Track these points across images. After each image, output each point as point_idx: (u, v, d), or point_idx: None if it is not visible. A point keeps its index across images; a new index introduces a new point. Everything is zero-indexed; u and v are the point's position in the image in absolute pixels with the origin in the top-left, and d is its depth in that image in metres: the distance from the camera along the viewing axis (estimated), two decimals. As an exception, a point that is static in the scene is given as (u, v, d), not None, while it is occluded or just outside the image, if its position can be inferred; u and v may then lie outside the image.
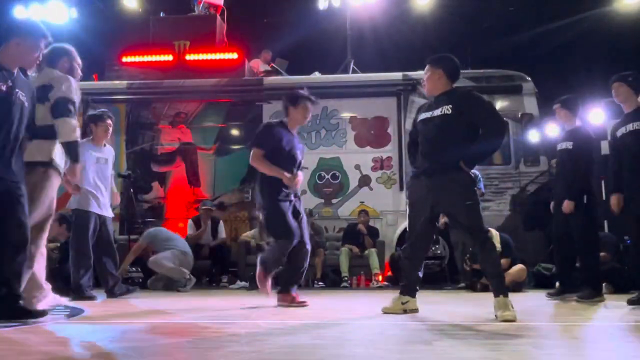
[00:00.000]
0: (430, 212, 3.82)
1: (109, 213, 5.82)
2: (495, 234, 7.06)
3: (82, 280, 5.42)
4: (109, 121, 5.83)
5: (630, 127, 4.75)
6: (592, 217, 5.29)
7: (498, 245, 6.96)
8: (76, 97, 4.06)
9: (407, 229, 4.07)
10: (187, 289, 6.75)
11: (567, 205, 5.23)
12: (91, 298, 5.32)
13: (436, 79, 3.93)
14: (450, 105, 3.76)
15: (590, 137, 5.48)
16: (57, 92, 3.94)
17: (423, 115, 3.94)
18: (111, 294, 5.60)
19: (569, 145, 5.39)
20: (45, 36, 3.78)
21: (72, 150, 3.90)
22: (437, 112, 3.81)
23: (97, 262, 5.63)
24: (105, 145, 5.86)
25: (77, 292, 5.33)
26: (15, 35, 3.68)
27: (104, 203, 5.71)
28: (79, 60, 4.47)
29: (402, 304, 3.91)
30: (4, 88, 3.55)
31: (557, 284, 5.57)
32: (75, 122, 3.94)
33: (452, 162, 3.71)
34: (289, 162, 4.62)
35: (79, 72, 4.46)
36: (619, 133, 4.89)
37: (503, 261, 6.75)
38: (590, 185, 5.35)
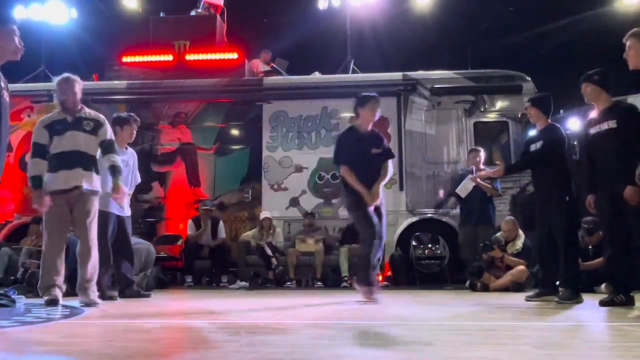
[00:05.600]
0: None
1: (126, 212, 5.83)
2: (520, 234, 7.08)
3: (102, 280, 5.40)
4: (135, 125, 5.83)
5: (604, 126, 4.63)
6: (572, 217, 5.13)
7: (520, 246, 6.97)
8: None
9: None
10: None
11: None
12: (111, 298, 5.29)
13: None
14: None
15: (562, 135, 5.30)
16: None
17: None
18: (122, 294, 5.59)
19: (538, 145, 5.26)
20: (15, 20, 3.72)
21: None
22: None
23: (114, 262, 5.63)
24: (127, 148, 5.87)
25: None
26: None
27: (124, 204, 5.71)
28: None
29: None
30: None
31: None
32: None
33: None
34: (366, 162, 5.16)
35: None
36: (592, 131, 4.76)
37: (522, 261, 6.76)
38: (570, 185, 5.19)
